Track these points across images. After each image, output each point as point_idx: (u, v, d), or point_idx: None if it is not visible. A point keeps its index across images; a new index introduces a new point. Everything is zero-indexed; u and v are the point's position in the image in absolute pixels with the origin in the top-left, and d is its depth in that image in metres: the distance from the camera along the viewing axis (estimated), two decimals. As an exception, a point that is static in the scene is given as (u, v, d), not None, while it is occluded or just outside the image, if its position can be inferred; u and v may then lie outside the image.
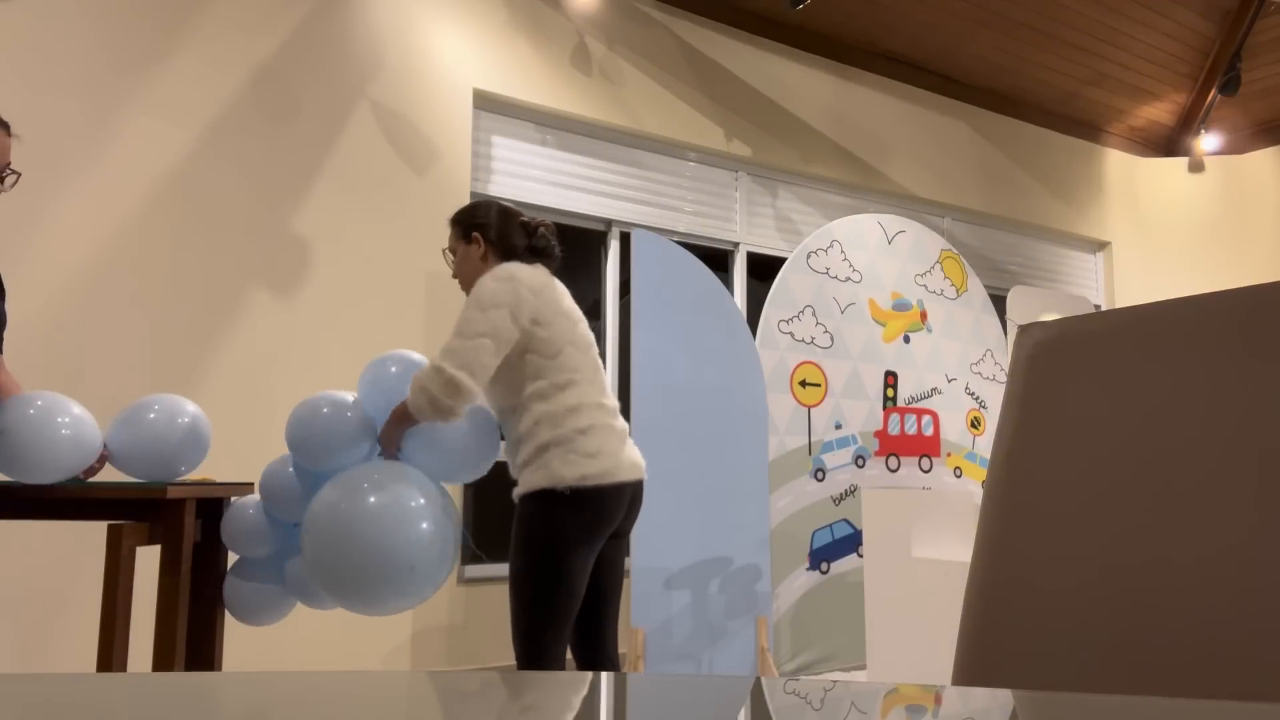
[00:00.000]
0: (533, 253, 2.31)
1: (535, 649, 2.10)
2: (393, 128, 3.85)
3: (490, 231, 2.29)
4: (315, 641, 3.46)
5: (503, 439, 2.26)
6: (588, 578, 2.18)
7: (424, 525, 1.97)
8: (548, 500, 2.08)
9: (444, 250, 2.40)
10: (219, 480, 2.75)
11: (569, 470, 2.08)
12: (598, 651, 2.30)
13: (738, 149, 4.85)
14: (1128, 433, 0.70)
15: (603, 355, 4.52)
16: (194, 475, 3.23)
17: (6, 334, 2.04)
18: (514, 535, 2.14)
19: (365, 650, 3.57)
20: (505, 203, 2.38)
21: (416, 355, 2.25)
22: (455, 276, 2.36)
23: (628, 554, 2.37)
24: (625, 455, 2.19)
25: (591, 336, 2.30)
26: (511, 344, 2.11)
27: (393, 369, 2.19)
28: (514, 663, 3.97)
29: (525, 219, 2.36)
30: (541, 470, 2.09)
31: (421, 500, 2.00)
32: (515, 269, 2.17)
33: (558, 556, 2.09)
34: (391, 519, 1.94)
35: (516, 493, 2.15)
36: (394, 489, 1.98)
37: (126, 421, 2.09)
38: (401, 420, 2.09)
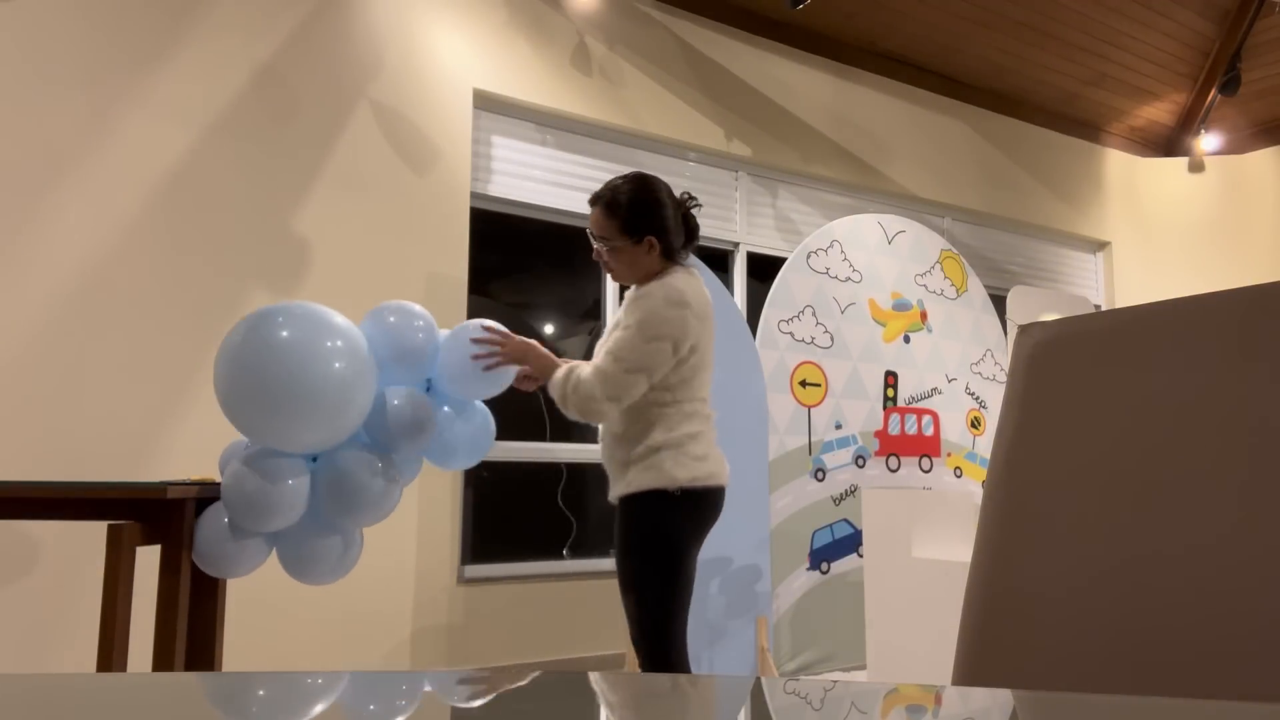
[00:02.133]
0: (688, 242, 2.29)
1: (668, 654, 2.15)
2: (393, 128, 3.85)
3: (669, 237, 2.23)
4: (315, 641, 3.46)
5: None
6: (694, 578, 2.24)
7: (336, 365, 1.93)
8: (660, 501, 2.13)
9: (594, 236, 2.26)
10: (219, 480, 2.74)
11: (681, 472, 2.12)
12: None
13: (738, 149, 4.85)
14: (1127, 432, 0.70)
15: (603, 355, 4.52)
16: (194, 475, 3.22)
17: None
18: (627, 535, 2.18)
19: (365, 650, 3.57)
20: (665, 185, 2.28)
21: (417, 308, 2.25)
22: (612, 272, 2.28)
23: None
24: (723, 461, 2.27)
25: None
26: (664, 373, 2.14)
27: (391, 319, 2.19)
28: (515, 663, 3.97)
29: (684, 204, 2.30)
30: (651, 471, 2.13)
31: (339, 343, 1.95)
32: (686, 290, 2.16)
33: (675, 555, 2.15)
34: (305, 351, 1.91)
35: (622, 492, 2.19)
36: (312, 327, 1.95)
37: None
38: (548, 374, 2.20)
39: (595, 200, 2.25)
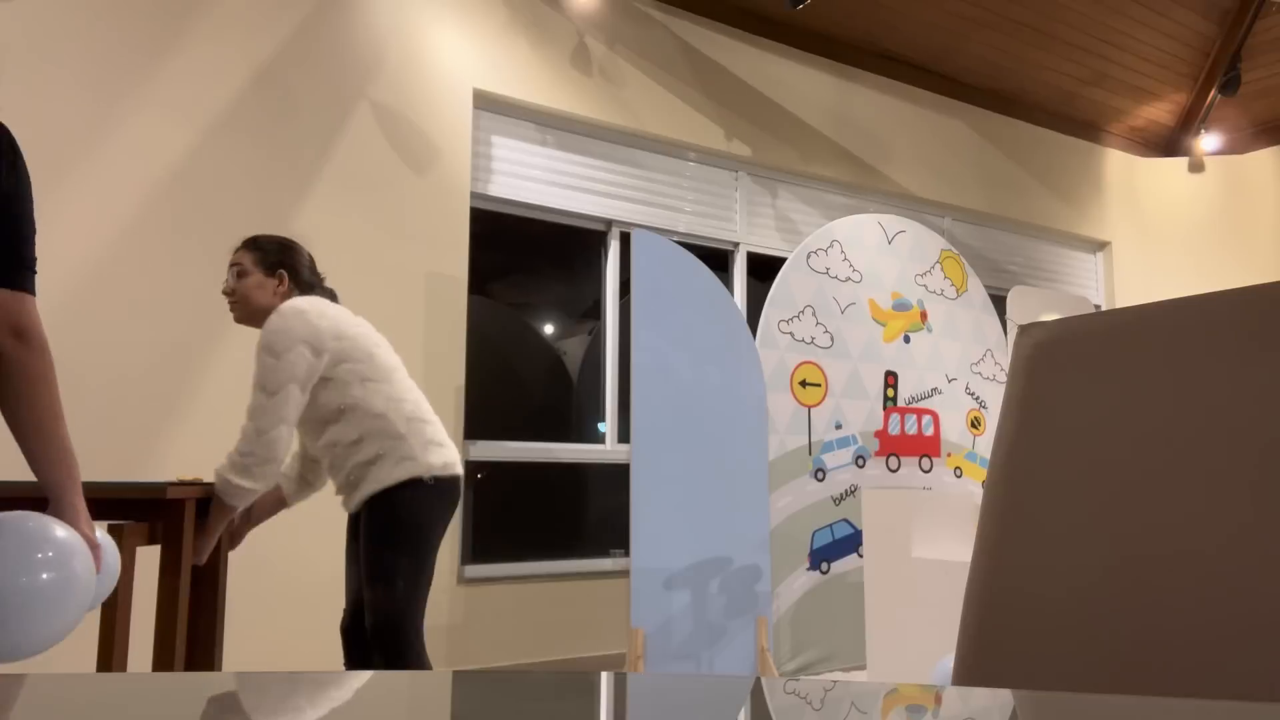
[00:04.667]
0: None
1: (411, 639, 2.27)
2: (393, 128, 3.85)
3: (295, 273, 2.38)
4: (315, 641, 3.46)
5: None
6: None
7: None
8: (416, 489, 2.29)
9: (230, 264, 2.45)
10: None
11: (435, 458, 2.34)
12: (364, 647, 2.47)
13: (738, 149, 4.85)
14: (1127, 433, 0.70)
15: (603, 355, 4.52)
16: (192, 476, 3.23)
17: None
18: (384, 527, 2.26)
19: (365, 650, 3.57)
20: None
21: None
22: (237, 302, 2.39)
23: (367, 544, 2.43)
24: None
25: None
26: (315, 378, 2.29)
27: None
28: (516, 663, 3.97)
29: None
30: (407, 462, 2.28)
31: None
32: (300, 302, 2.30)
33: (426, 542, 2.30)
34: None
35: (374, 490, 2.27)
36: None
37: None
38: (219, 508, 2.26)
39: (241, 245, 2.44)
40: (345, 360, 2.25)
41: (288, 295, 2.35)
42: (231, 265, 2.34)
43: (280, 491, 2.55)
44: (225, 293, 2.35)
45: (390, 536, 2.24)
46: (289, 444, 2.19)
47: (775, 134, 4.99)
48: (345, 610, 2.48)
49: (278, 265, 2.34)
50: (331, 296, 2.45)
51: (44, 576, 1.25)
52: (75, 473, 1.49)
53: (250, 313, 2.34)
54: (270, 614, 3.38)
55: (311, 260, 2.45)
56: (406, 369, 3.38)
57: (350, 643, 2.45)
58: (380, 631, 2.23)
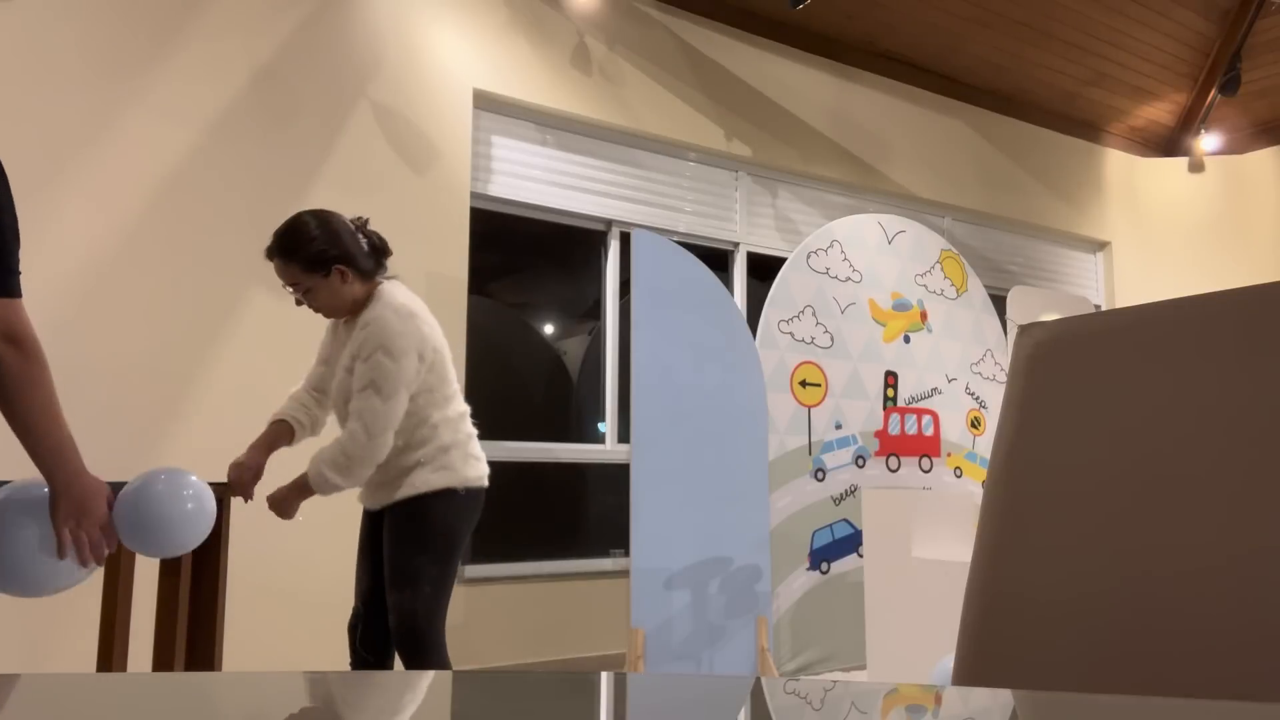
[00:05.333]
0: (379, 257, 2.42)
1: (437, 646, 2.27)
2: (393, 128, 3.85)
3: (356, 261, 2.35)
4: (315, 641, 3.46)
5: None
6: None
7: None
8: (450, 499, 2.30)
9: (287, 287, 2.35)
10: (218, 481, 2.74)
11: (470, 471, 2.37)
12: (385, 653, 2.44)
13: (738, 149, 4.85)
14: (1128, 433, 0.70)
15: (603, 355, 4.52)
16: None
17: None
18: (415, 532, 2.26)
19: (365, 650, 3.57)
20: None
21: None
22: (320, 310, 2.37)
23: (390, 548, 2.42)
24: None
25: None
26: (418, 382, 2.31)
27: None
28: (515, 663, 3.97)
29: (360, 224, 2.46)
30: (444, 471, 2.29)
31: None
32: (408, 302, 2.32)
33: (455, 552, 2.33)
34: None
35: (408, 494, 2.26)
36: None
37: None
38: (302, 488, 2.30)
39: (270, 254, 2.32)
40: (431, 373, 2.28)
41: (360, 280, 2.32)
42: (286, 286, 2.30)
43: (292, 435, 2.50)
44: (300, 305, 2.34)
45: (420, 542, 2.25)
46: (389, 450, 2.22)
47: (775, 134, 4.99)
48: (354, 608, 2.46)
49: (330, 262, 2.27)
50: (383, 253, 2.42)
51: (189, 506, 1.77)
52: (71, 465, 1.55)
53: (336, 311, 2.34)
54: (270, 614, 3.38)
55: (358, 227, 2.38)
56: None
57: (356, 640, 2.43)
58: (404, 634, 2.24)
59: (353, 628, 2.44)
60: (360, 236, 2.36)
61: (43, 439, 1.50)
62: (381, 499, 2.29)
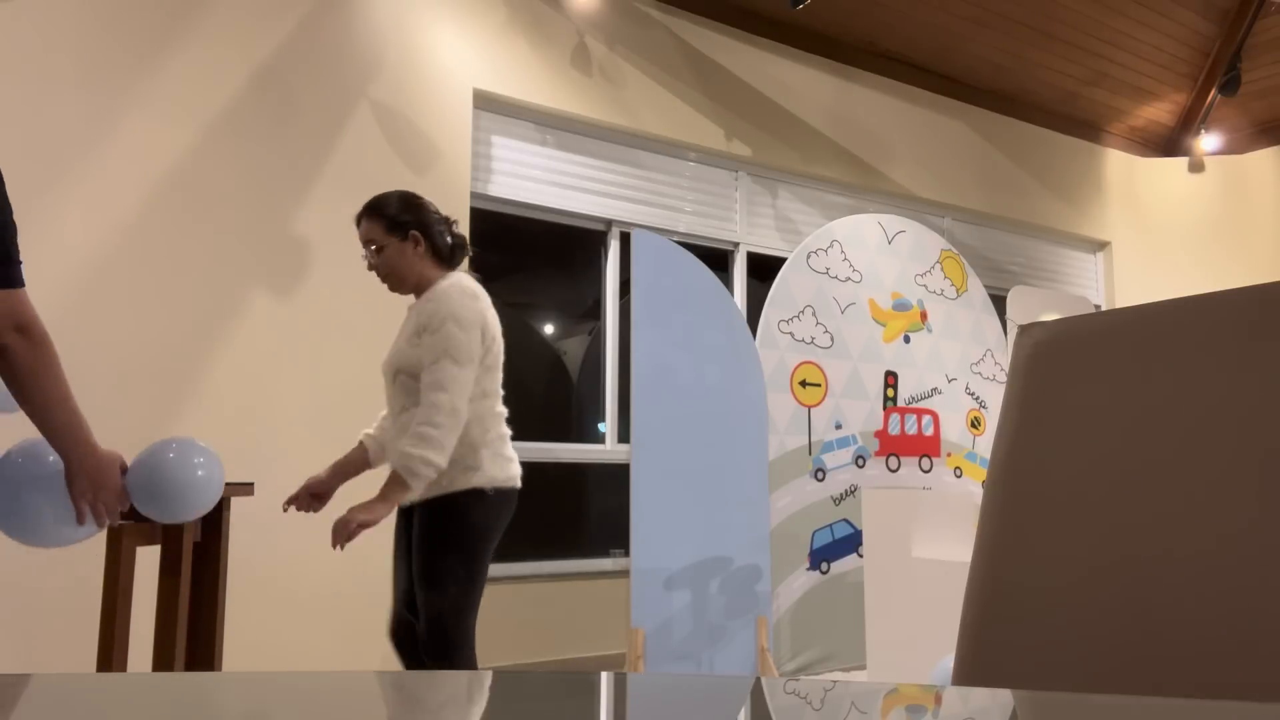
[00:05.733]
0: (457, 253, 2.45)
1: (464, 648, 2.25)
2: (393, 128, 3.85)
3: (434, 236, 2.38)
4: (315, 641, 3.46)
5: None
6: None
7: None
8: (478, 500, 2.24)
9: (365, 244, 2.38)
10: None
11: (500, 471, 2.30)
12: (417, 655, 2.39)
13: (738, 149, 4.85)
14: (1128, 433, 0.70)
15: (603, 355, 4.52)
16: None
17: None
18: (441, 533, 2.21)
19: (365, 650, 3.57)
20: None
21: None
22: (387, 277, 2.37)
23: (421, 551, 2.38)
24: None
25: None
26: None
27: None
28: (516, 663, 3.97)
29: (449, 220, 2.48)
30: (472, 471, 2.24)
31: None
32: (473, 286, 2.31)
33: (484, 554, 2.28)
34: None
35: (438, 493, 2.22)
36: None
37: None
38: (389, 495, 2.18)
39: (358, 217, 2.38)
40: (484, 363, 2.27)
41: (430, 256, 2.35)
42: (364, 243, 2.34)
43: (366, 453, 2.51)
44: (371, 269, 2.35)
45: (446, 542, 2.22)
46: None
47: (775, 134, 4.99)
48: (394, 611, 2.41)
49: (408, 226, 2.33)
50: (464, 252, 2.46)
51: (199, 473, 1.86)
52: (84, 441, 1.61)
53: (401, 281, 2.35)
54: (270, 614, 3.38)
55: (444, 218, 2.43)
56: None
57: (400, 644, 2.39)
58: (431, 634, 2.21)
59: (394, 632, 2.39)
60: (444, 227, 2.42)
61: (56, 420, 1.57)
62: (410, 495, 2.24)
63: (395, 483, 2.13)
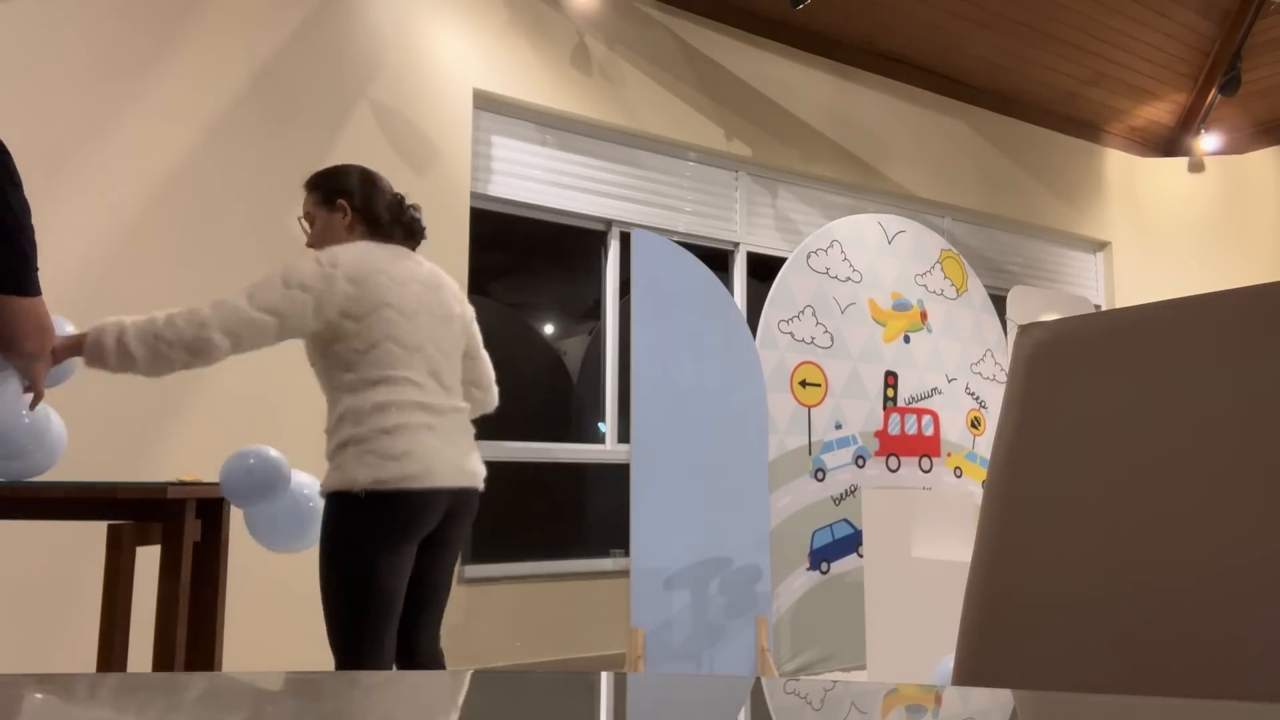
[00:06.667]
0: (404, 234, 2.21)
1: (353, 661, 1.96)
2: (393, 128, 3.85)
3: (355, 199, 2.17)
4: (315, 641, 3.46)
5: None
6: (401, 584, 2.01)
7: None
8: (344, 503, 1.94)
9: (299, 218, 2.24)
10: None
11: (363, 473, 1.92)
12: (412, 665, 2.16)
13: (738, 149, 4.85)
14: (1128, 433, 0.70)
15: (603, 355, 4.52)
16: (192, 476, 3.22)
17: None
18: (321, 537, 1.99)
19: (365, 650, 3.57)
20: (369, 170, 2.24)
21: (274, 453, 2.19)
22: (311, 245, 2.19)
23: (454, 564, 2.23)
24: (445, 460, 2.04)
25: (444, 332, 2.17)
26: (302, 331, 1.99)
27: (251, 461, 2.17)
28: (516, 663, 3.97)
29: (400, 198, 2.24)
30: (337, 471, 1.95)
31: None
32: (344, 253, 2.01)
33: (361, 560, 1.94)
34: None
35: (321, 490, 2.01)
36: None
37: None
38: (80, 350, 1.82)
39: (305, 186, 2.24)
40: (347, 343, 2.01)
41: (361, 228, 2.16)
42: (303, 216, 2.20)
43: None
44: (309, 245, 2.18)
45: (322, 544, 2.00)
46: (212, 349, 1.98)
47: (775, 134, 4.99)
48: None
49: (335, 194, 2.16)
50: (410, 234, 2.22)
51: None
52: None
53: (318, 246, 2.16)
54: (270, 614, 3.38)
55: (397, 197, 2.22)
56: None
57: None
58: (329, 640, 2.02)
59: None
60: (390, 200, 2.21)
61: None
62: (97, 365, 1.91)
63: (74, 342, 1.82)
